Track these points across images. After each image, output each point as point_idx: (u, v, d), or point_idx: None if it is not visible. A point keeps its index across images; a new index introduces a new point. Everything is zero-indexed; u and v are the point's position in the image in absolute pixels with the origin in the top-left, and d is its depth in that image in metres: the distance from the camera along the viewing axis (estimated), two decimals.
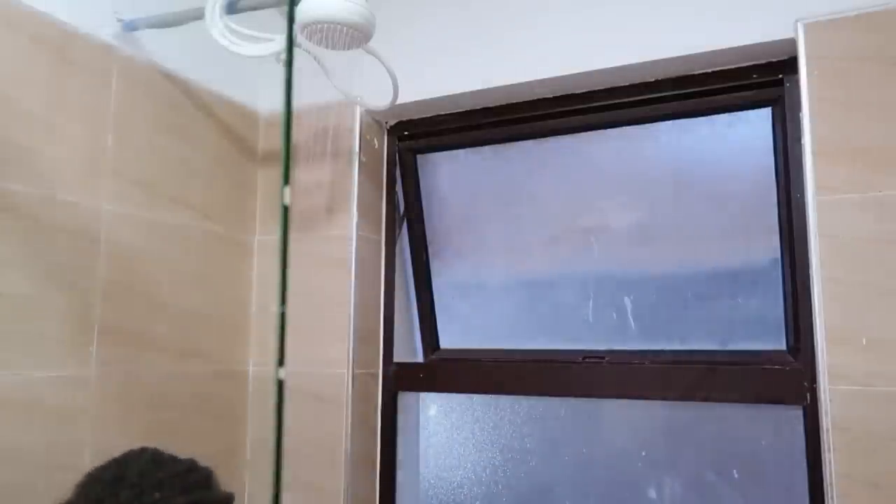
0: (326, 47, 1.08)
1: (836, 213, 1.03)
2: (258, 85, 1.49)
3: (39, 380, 1.01)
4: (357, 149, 1.41)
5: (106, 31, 1.15)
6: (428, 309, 1.54)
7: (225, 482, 1.39)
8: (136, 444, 1.15)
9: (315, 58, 1.22)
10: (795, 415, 1.15)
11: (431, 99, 1.38)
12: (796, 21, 1.08)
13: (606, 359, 1.32)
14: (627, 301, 1.36)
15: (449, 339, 1.54)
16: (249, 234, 1.46)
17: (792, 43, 1.10)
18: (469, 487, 1.46)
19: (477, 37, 1.34)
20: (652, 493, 1.30)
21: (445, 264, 1.54)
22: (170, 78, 1.27)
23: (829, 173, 1.04)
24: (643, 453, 1.32)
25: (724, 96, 1.24)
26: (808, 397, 1.11)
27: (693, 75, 1.24)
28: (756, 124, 1.25)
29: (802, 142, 1.07)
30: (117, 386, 1.13)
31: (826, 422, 1.01)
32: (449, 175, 1.54)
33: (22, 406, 0.98)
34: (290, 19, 0.90)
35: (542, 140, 1.43)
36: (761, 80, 1.19)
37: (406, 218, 1.55)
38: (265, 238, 1.47)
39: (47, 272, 1.03)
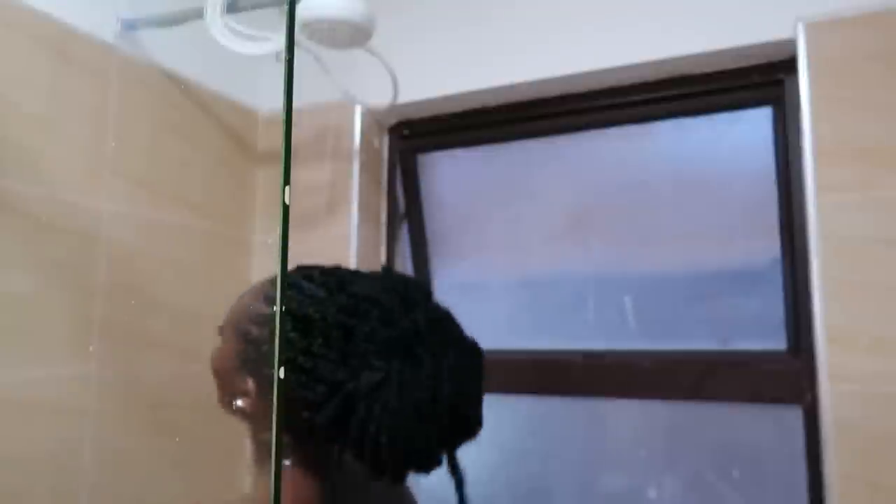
0: (327, 46, 1.09)
1: (837, 213, 1.03)
2: (258, 84, 1.49)
3: (39, 379, 1.01)
4: (357, 149, 1.41)
5: (106, 30, 1.15)
6: None
7: (224, 483, 1.40)
8: (137, 444, 1.15)
9: (315, 57, 1.22)
10: (795, 415, 1.14)
11: (431, 99, 1.37)
12: (796, 21, 1.08)
13: (607, 358, 1.32)
14: (627, 301, 1.36)
15: None
16: (249, 234, 1.46)
17: (792, 43, 1.10)
18: (469, 487, 1.46)
19: (477, 37, 1.34)
20: (652, 493, 1.30)
21: (445, 264, 1.54)
22: (170, 77, 1.27)
23: (830, 173, 1.04)
24: (643, 453, 1.32)
25: (724, 96, 1.24)
26: (809, 397, 1.10)
27: (693, 75, 1.23)
28: (756, 124, 1.25)
29: (802, 142, 1.07)
30: (117, 385, 1.13)
31: (826, 422, 1.01)
32: (449, 175, 1.54)
33: (22, 406, 0.98)
34: (291, 18, 0.90)
35: (543, 139, 1.43)
36: (761, 81, 1.19)
37: (406, 218, 1.55)
38: (265, 237, 1.47)
39: (47, 272, 1.03)
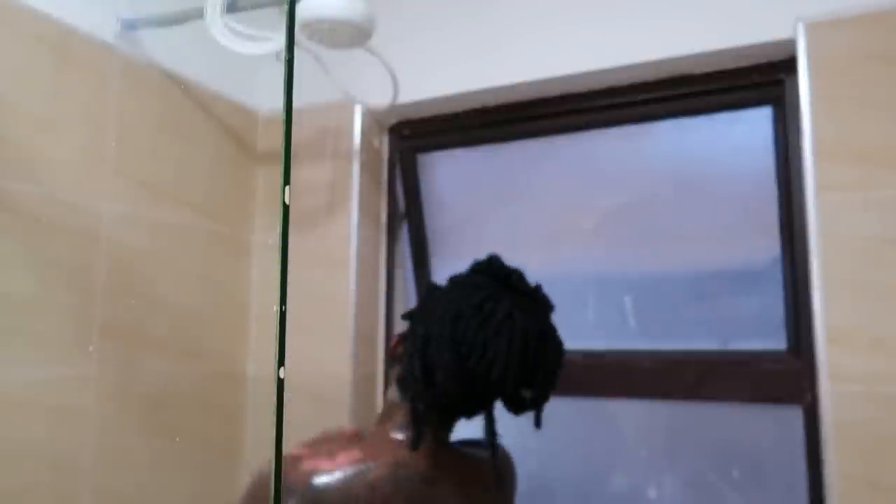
0: (327, 46, 1.09)
1: (837, 213, 1.03)
2: (258, 84, 1.49)
3: (39, 379, 1.01)
4: (357, 149, 1.41)
5: (106, 30, 1.15)
6: None
7: (224, 482, 1.39)
8: (137, 444, 1.15)
9: (315, 57, 1.22)
10: (795, 415, 1.15)
11: (431, 99, 1.37)
12: (796, 21, 1.08)
13: (607, 358, 1.32)
14: (627, 301, 1.36)
15: None
16: (249, 234, 1.46)
17: (792, 43, 1.10)
18: None
19: (477, 37, 1.34)
20: (652, 493, 1.30)
21: (445, 264, 1.54)
22: (170, 77, 1.27)
23: (830, 172, 1.04)
24: (643, 453, 1.32)
25: (724, 96, 1.24)
26: (808, 397, 1.11)
27: (693, 75, 1.23)
28: (756, 124, 1.25)
29: (802, 142, 1.07)
30: (117, 385, 1.13)
31: (826, 422, 1.01)
32: (449, 174, 1.54)
33: (22, 406, 0.98)
34: (291, 18, 0.90)
35: (543, 139, 1.43)
36: (761, 80, 1.19)
37: (406, 218, 1.55)
38: (265, 237, 1.47)
39: (47, 272, 1.03)
